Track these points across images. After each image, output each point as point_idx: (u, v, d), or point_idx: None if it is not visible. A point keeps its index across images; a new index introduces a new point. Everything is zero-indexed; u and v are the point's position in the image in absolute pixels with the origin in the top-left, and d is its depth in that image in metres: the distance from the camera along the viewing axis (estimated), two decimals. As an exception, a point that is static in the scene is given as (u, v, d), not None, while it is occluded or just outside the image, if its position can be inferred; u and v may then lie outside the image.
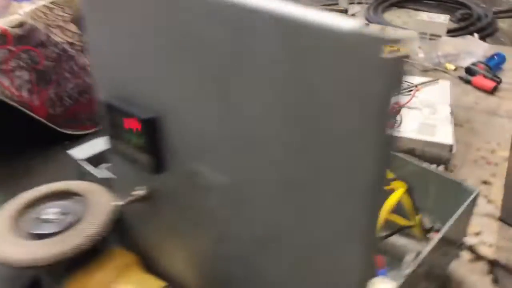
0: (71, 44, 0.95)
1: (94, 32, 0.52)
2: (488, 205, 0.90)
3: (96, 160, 0.73)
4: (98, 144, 0.75)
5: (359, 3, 1.88)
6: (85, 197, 0.67)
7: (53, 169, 0.94)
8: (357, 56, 0.34)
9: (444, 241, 0.64)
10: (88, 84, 0.99)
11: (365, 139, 0.36)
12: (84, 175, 0.72)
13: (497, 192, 0.92)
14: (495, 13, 1.77)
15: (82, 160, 0.72)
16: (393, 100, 0.35)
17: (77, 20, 0.97)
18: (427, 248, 0.61)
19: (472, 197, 0.68)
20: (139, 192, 0.59)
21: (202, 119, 0.47)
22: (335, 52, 0.35)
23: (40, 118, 0.90)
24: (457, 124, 1.12)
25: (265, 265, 0.50)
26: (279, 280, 0.50)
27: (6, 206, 0.65)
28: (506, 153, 1.04)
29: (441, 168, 0.94)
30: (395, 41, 0.32)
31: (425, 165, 0.77)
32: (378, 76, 0.34)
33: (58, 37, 0.91)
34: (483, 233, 0.84)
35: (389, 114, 0.35)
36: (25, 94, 0.84)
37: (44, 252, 0.58)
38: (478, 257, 0.79)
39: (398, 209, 0.69)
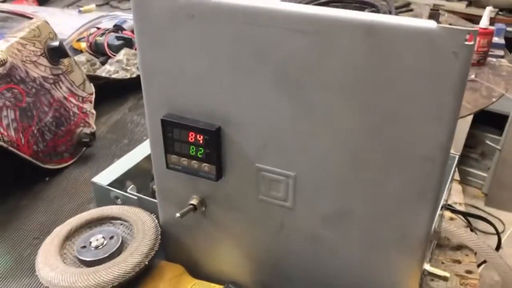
0: (44, 78, 0.93)
1: (151, 53, 0.55)
2: (448, 171, 1.04)
3: (118, 183, 0.75)
4: (116, 169, 0.76)
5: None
6: (122, 219, 0.68)
7: (43, 206, 0.92)
8: (440, 46, 0.42)
9: (443, 205, 0.75)
10: (65, 116, 0.98)
11: (443, 113, 0.45)
12: (110, 200, 0.73)
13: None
14: (395, 9, 1.99)
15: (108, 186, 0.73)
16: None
17: (46, 54, 0.96)
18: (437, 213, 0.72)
19: (455, 162, 0.80)
20: (193, 201, 0.62)
21: (270, 122, 0.53)
22: (418, 46, 0.43)
23: (28, 157, 0.88)
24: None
25: (335, 240, 0.57)
26: (349, 252, 0.57)
27: (47, 241, 0.65)
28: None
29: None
30: (473, 31, 0.41)
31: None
32: (456, 61, 0.42)
33: (33, 72, 0.89)
34: (452, 195, 0.98)
35: (463, 91, 0.44)
36: (12, 133, 0.82)
37: (108, 275, 0.59)
38: (456, 213, 0.93)
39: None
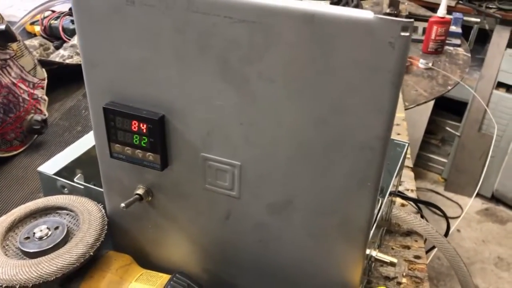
0: (-10, 60, 0.90)
1: (91, 42, 0.54)
2: (401, 158, 1.06)
3: (67, 171, 0.73)
4: (65, 157, 0.75)
5: None
6: (68, 209, 0.67)
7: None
8: (377, 37, 0.43)
9: (390, 193, 0.77)
10: (13, 102, 0.94)
11: (381, 103, 0.45)
12: (57, 189, 0.71)
13: (405, 147, 1.09)
14: (357, -4, 2.00)
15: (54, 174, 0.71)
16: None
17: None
18: (382, 202, 0.73)
19: (405, 150, 0.81)
20: (138, 191, 0.61)
21: (215, 112, 0.52)
22: (357, 36, 0.43)
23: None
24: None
25: (279, 228, 0.57)
26: (293, 239, 0.57)
27: (-12, 231, 0.63)
28: (402, 115, 1.22)
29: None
30: (409, 23, 0.41)
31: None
32: (393, 52, 0.43)
33: (-22, 54, 0.86)
34: (404, 182, 1.00)
35: (401, 82, 0.45)
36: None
37: (51, 267, 0.58)
38: (407, 200, 0.95)
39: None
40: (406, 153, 0.83)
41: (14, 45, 0.99)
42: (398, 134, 1.15)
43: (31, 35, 1.46)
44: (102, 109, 0.56)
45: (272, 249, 0.59)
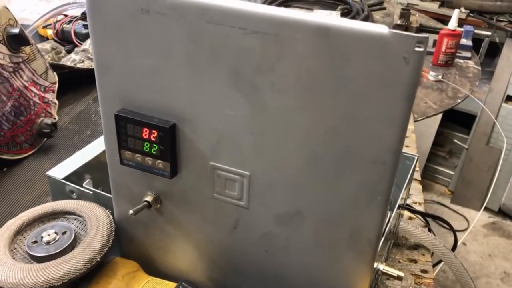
0: (3, 66, 0.90)
1: (105, 48, 0.54)
2: (410, 171, 1.05)
3: (76, 176, 0.73)
4: (74, 161, 0.75)
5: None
6: (76, 214, 0.67)
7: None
8: (391, 52, 0.43)
9: (399, 206, 0.76)
10: (24, 106, 0.95)
11: (394, 117, 0.45)
12: (66, 194, 0.71)
13: (414, 159, 1.09)
14: (368, 6, 2.00)
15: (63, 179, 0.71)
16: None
17: (6, 41, 0.93)
18: (390, 216, 0.72)
19: (414, 163, 0.81)
20: (147, 198, 0.61)
21: (225, 121, 0.52)
22: (371, 50, 0.43)
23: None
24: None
25: (287, 239, 0.57)
26: (301, 250, 0.57)
27: (-3, 234, 0.63)
28: (411, 127, 1.22)
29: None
30: (424, 38, 0.41)
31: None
32: (407, 66, 0.43)
33: (-10, 58, 0.87)
34: (412, 195, 1.00)
35: (414, 96, 0.45)
36: (-35, 121, 0.79)
37: (58, 272, 0.58)
38: (415, 213, 0.94)
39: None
40: (415, 166, 0.83)
41: (27, 49, 1.00)
42: (407, 146, 1.14)
43: (44, 38, 1.47)
44: (114, 116, 0.56)
45: (278, 259, 0.59)
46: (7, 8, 0.96)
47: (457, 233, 0.99)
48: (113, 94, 0.56)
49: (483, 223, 2.63)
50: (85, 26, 1.43)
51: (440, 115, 2.32)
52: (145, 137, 0.55)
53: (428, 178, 2.92)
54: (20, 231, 0.65)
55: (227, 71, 0.50)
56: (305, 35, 0.45)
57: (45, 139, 1.03)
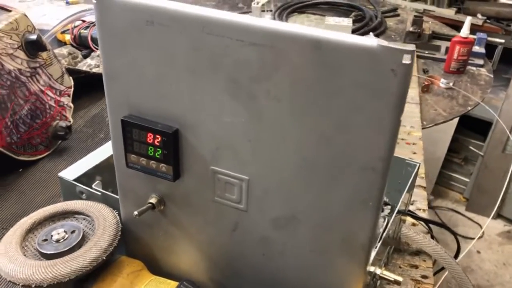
0: (20, 71, 0.94)
1: (112, 57, 0.57)
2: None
3: (87, 178, 0.76)
4: (85, 163, 0.78)
5: (269, 10, 2.02)
6: (85, 214, 0.70)
7: (15, 197, 0.93)
8: (380, 64, 0.44)
9: (398, 212, 0.77)
10: (40, 109, 0.99)
11: (383, 126, 0.47)
12: (76, 194, 0.74)
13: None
14: (382, 13, 2.01)
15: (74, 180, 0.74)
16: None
17: (24, 47, 0.97)
18: (389, 221, 0.74)
19: (416, 169, 0.82)
20: (151, 200, 0.64)
21: (224, 128, 0.55)
22: (361, 62, 0.45)
23: (0, 148, 0.89)
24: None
25: (283, 243, 0.59)
26: (296, 254, 0.59)
27: (10, 232, 0.66)
28: (419, 134, 1.23)
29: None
30: (411, 52, 0.43)
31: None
32: (395, 78, 0.45)
33: (9, 64, 0.91)
34: (416, 202, 1.01)
35: (403, 106, 0.47)
36: (-16, 124, 0.83)
37: (66, 269, 0.61)
38: (418, 220, 0.95)
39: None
40: (417, 173, 0.84)
41: (44, 54, 1.04)
42: (414, 153, 1.15)
43: (62, 43, 1.52)
44: (120, 121, 0.59)
45: (275, 262, 0.61)
46: (25, 15, 1.00)
47: (470, 241, 1.00)
48: (120, 101, 0.59)
49: (498, 231, 2.61)
50: (102, 32, 1.47)
51: (455, 121, 2.31)
52: (149, 141, 0.58)
53: (443, 185, 2.90)
54: (31, 230, 0.68)
55: (226, 80, 0.52)
56: (298, 47, 0.47)
57: (60, 141, 1.07)
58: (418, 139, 1.21)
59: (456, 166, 2.87)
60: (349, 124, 0.49)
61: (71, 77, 1.16)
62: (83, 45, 1.48)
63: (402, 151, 1.15)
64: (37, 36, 0.99)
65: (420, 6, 2.49)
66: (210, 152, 0.57)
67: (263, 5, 1.65)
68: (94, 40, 1.46)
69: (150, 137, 0.58)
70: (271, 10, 1.86)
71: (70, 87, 1.14)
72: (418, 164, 0.83)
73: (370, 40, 0.45)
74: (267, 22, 0.48)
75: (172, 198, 0.63)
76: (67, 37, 1.51)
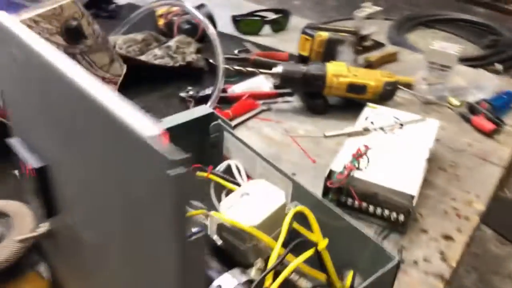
0: (53, 55, 0.98)
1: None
2: (441, 263, 0.85)
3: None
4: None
5: (386, 19, 1.81)
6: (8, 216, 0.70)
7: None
8: (152, 163, 0.34)
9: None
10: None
11: (166, 240, 0.36)
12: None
13: (455, 250, 0.88)
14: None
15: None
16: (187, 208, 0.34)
17: (64, 33, 1.01)
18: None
19: (390, 265, 0.65)
20: (41, 229, 0.61)
21: (72, 174, 0.48)
22: (138, 152, 0.35)
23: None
24: (441, 167, 1.07)
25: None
26: None
27: None
28: (481, 207, 0.98)
29: (401, 217, 0.90)
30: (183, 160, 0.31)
31: (357, 224, 0.73)
32: (166, 186, 0.33)
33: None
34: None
35: (185, 220, 0.35)
36: None
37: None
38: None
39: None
40: (396, 269, 0.66)
41: (89, 41, 1.06)
42: (459, 229, 0.92)
43: (155, 26, 1.53)
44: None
45: None
46: (74, 1, 1.03)
47: None
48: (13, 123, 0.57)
49: None
50: (188, 22, 1.47)
51: None
52: (23, 171, 0.55)
53: None
54: None
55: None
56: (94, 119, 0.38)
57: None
58: (476, 213, 0.96)
59: None
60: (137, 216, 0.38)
61: (123, 65, 1.17)
62: (171, 32, 1.48)
63: (446, 224, 0.93)
64: (77, 24, 1.01)
65: None
66: (68, 199, 0.51)
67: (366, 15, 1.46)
68: (181, 31, 1.46)
69: (25, 167, 0.54)
70: (388, 19, 1.64)
71: (119, 75, 1.16)
72: (394, 260, 0.65)
73: (151, 129, 0.34)
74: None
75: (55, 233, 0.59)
76: (161, 22, 1.53)
